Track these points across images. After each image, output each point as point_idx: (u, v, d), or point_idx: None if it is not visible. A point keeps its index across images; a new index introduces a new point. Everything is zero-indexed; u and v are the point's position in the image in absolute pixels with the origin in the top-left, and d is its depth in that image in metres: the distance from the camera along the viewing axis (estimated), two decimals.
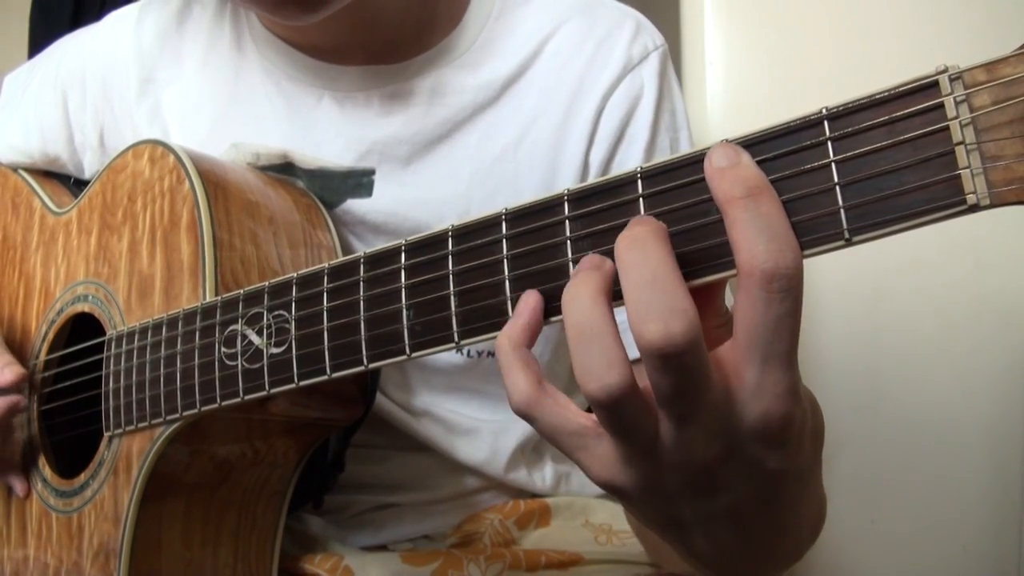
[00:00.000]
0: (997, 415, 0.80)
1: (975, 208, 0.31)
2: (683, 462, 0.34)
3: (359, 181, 0.67)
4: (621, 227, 0.34)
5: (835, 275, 0.85)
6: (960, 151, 0.30)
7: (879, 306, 0.84)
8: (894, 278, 0.83)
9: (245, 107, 0.69)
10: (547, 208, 0.38)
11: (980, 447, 0.81)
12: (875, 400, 0.84)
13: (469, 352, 0.68)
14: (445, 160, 0.66)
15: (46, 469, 0.66)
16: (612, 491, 0.37)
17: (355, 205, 0.67)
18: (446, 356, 0.68)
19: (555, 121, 0.65)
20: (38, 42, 1.12)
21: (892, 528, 0.83)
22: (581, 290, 0.34)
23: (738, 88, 0.90)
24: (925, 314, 0.82)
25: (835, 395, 0.86)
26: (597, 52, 0.66)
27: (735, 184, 0.33)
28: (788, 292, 0.31)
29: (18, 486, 0.67)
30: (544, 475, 0.76)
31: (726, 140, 0.35)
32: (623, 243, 0.33)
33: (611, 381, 0.32)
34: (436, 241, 0.41)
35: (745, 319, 0.32)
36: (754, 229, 0.32)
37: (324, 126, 0.67)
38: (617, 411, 0.33)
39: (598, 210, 0.37)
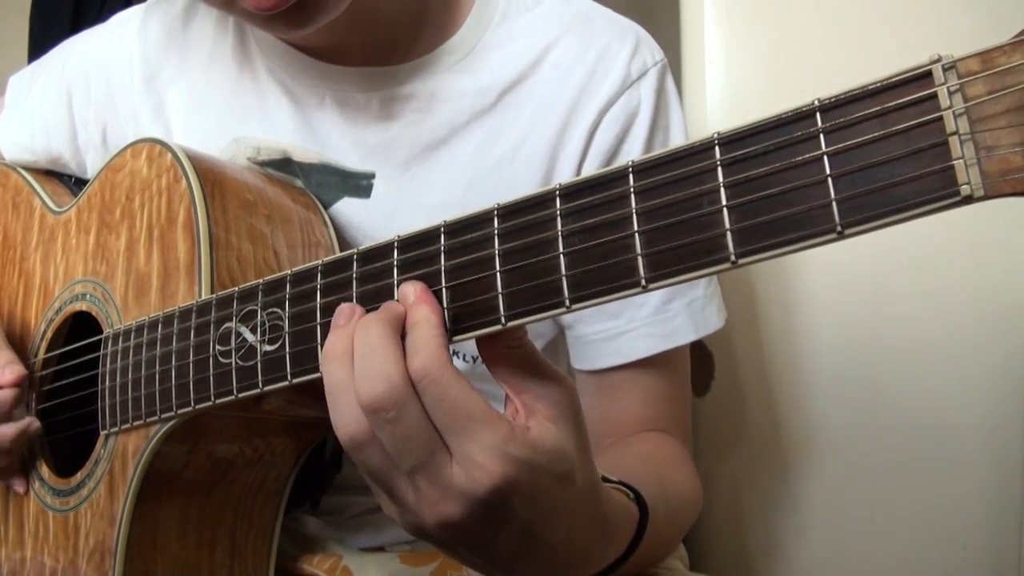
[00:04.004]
0: (997, 415, 0.80)
1: (969, 200, 0.30)
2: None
3: (359, 183, 0.67)
4: (613, 221, 0.34)
5: (834, 275, 0.84)
6: (954, 141, 0.30)
7: (879, 306, 0.83)
8: (894, 278, 0.82)
9: (250, 105, 0.70)
10: (539, 203, 0.38)
11: (980, 447, 0.80)
12: (874, 400, 0.84)
13: (465, 357, 0.68)
14: (443, 166, 0.66)
15: (43, 467, 0.66)
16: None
17: (350, 204, 0.67)
18: None
19: (552, 132, 0.65)
20: (38, 42, 1.12)
21: (892, 528, 0.83)
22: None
23: (738, 88, 0.90)
24: (925, 314, 0.81)
25: (834, 395, 0.85)
26: (597, 66, 0.65)
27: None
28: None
29: (17, 484, 0.67)
30: None
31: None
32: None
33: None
34: (429, 237, 0.41)
35: None
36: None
37: (327, 127, 0.67)
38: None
39: (590, 204, 0.36)
